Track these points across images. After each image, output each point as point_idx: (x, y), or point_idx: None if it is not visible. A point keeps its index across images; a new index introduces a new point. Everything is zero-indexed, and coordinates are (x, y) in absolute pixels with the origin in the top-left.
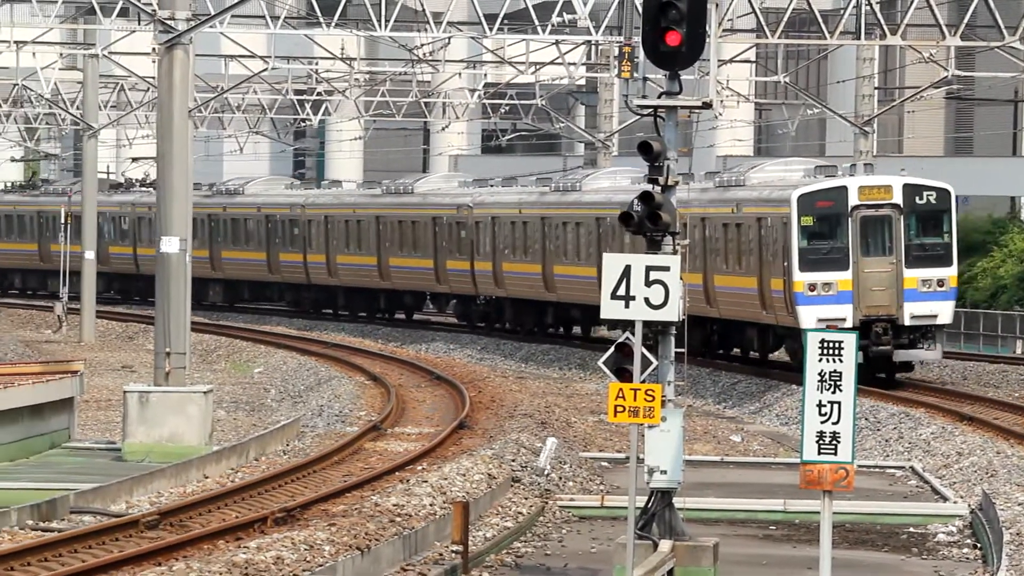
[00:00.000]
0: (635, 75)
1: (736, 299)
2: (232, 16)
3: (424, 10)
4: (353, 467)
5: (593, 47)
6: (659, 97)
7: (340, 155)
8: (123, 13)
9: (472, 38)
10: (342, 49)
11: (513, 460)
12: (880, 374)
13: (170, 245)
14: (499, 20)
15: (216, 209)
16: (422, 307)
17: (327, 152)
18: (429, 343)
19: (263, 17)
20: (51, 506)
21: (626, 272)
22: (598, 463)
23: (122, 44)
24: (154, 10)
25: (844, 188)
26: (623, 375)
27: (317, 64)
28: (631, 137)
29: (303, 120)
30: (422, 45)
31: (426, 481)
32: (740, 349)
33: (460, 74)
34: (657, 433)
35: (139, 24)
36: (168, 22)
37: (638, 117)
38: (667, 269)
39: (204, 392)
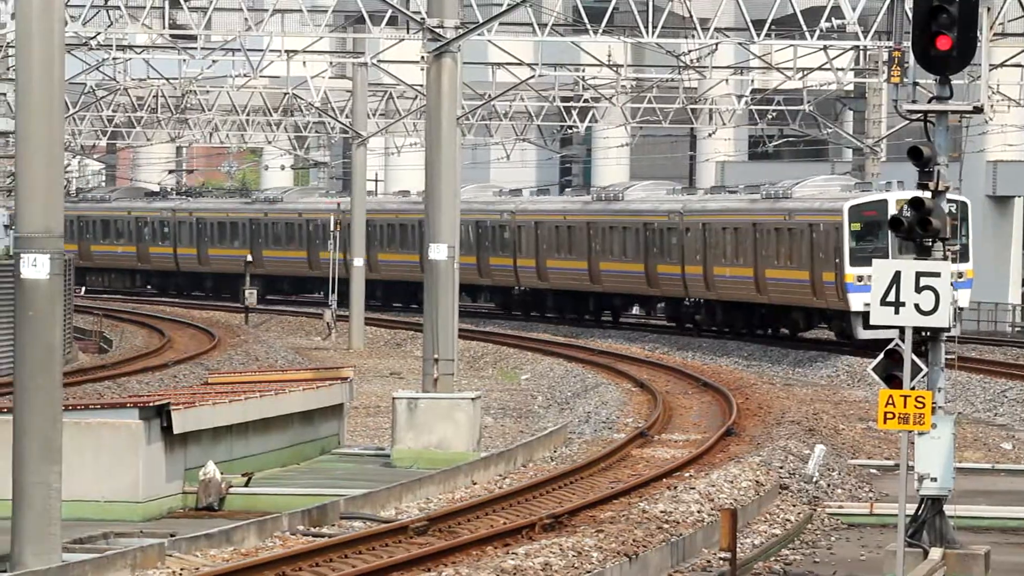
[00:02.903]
0: (905, 80)
1: (786, 288)
2: (500, 24)
3: (691, 16)
4: (620, 473)
5: (862, 52)
6: (929, 102)
7: (606, 162)
8: (392, 22)
9: (739, 44)
10: (609, 56)
11: (781, 467)
12: None
13: (439, 252)
14: (766, 26)
15: (258, 215)
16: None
17: (593, 159)
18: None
19: (530, 24)
20: (321, 512)
21: (895, 278)
22: (867, 470)
23: (391, 52)
24: (423, 19)
25: (885, 200)
26: (893, 382)
27: (584, 71)
28: (899, 143)
29: (570, 127)
30: (689, 51)
31: (693, 488)
32: (784, 328)
33: (727, 80)
34: (927, 440)
35: (408, 32)
36: (437, 30)
37: (907, 122)
38: (937, 275)
39: (472, 399)
